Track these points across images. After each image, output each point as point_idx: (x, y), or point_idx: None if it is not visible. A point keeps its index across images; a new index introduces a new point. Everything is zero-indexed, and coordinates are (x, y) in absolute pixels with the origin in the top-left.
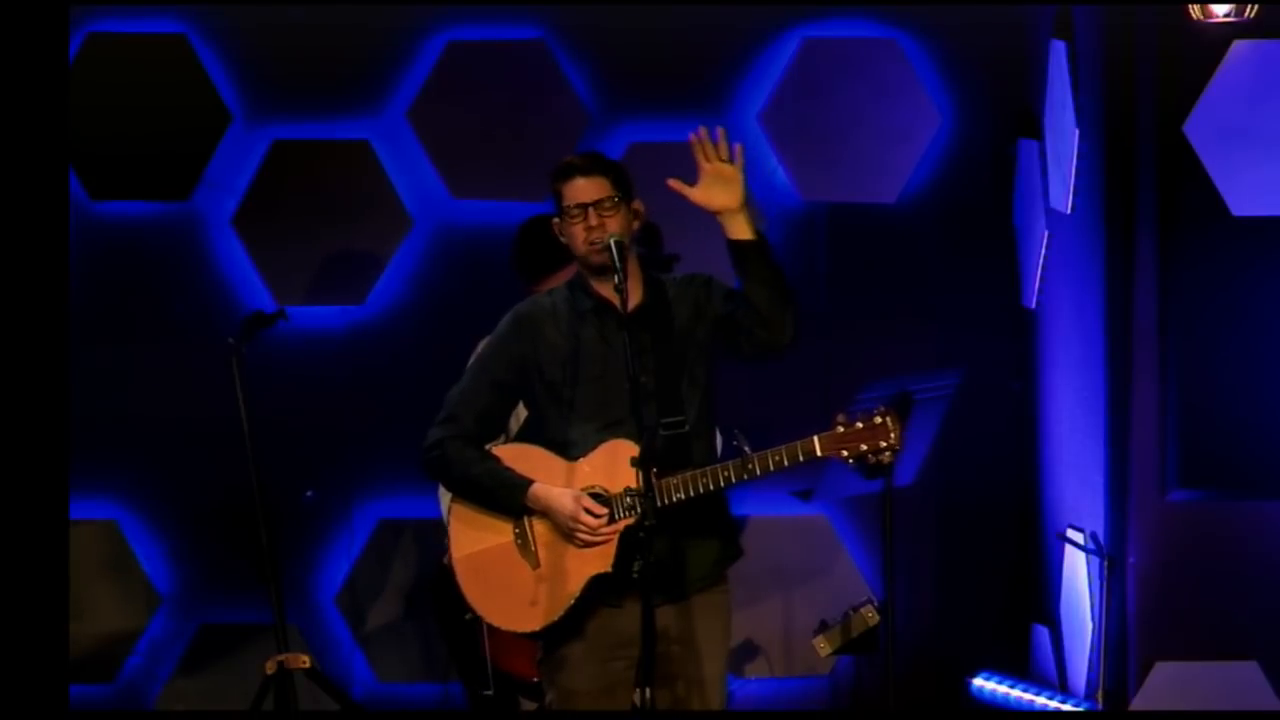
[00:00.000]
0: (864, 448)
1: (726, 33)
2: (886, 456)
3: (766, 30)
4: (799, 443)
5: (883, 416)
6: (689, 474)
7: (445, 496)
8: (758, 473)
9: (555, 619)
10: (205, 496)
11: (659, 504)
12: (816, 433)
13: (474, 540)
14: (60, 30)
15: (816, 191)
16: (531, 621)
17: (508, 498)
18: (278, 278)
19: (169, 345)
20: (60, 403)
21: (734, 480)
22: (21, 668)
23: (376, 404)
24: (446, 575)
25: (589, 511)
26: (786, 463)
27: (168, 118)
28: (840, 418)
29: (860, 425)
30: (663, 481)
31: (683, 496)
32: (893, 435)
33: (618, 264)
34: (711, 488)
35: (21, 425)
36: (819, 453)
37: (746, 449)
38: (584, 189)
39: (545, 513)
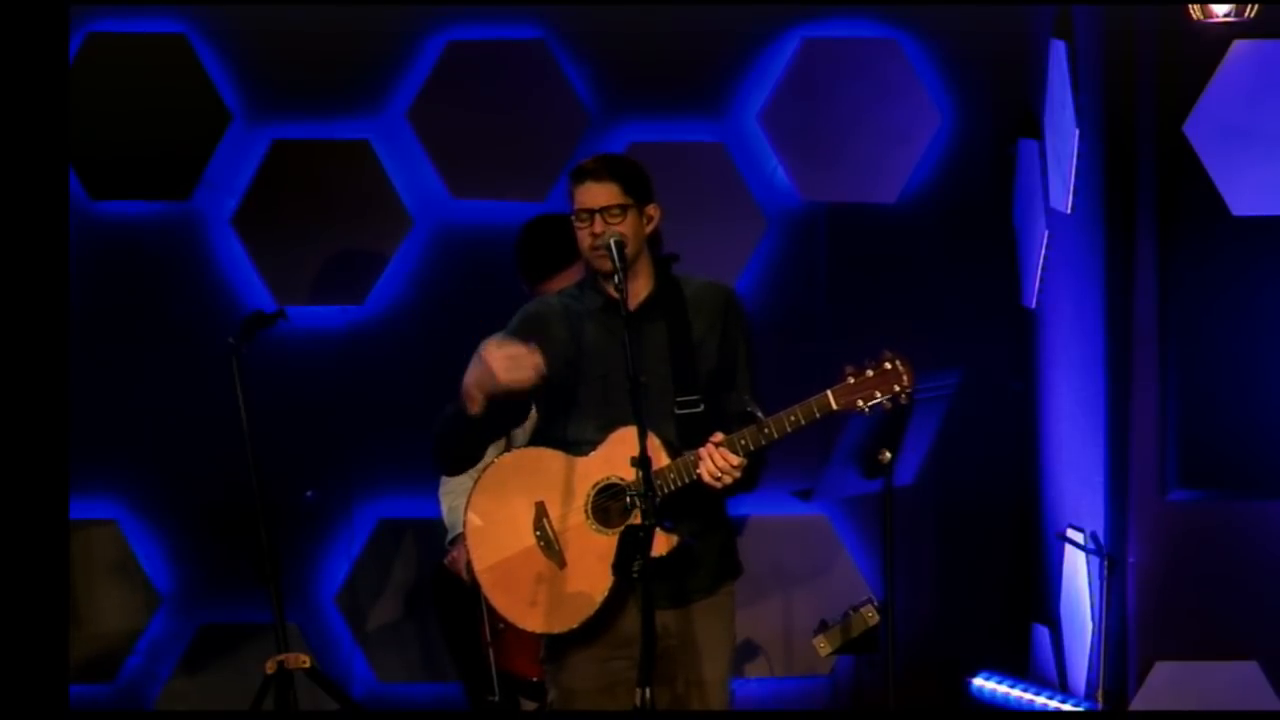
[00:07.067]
0: (879, 394)
1: (726, 33)
2: (904, 399)
3: (766, 30)
4: (813, 400)
5: (892, 361)
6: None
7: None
8: (775, 436)
9: (600, 604)
10: (205, 496)
11: (683, 481)
12: (829, 387)
13: (495, 550)
14: (60, 30)
15: (816, 191)
16: (574, 616)
17: (456, 416)
18: (278, 278)
19: (169, 345)
20: (60, 403)
21: (751, 447)
22: (21, 667)
23: (377, 404)
24: (446, 575)
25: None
26: (803, 421)
27: (168, 118)
28: (849, 369)
29: (871, 373)
30: (680, 459)
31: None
32: (905, 378)
33: (616, 264)
34: (731, 456)
35: (22, 425)
36: (834, 406)
37: (760, 414)
38: (593, 194)
39: (480, 383)
